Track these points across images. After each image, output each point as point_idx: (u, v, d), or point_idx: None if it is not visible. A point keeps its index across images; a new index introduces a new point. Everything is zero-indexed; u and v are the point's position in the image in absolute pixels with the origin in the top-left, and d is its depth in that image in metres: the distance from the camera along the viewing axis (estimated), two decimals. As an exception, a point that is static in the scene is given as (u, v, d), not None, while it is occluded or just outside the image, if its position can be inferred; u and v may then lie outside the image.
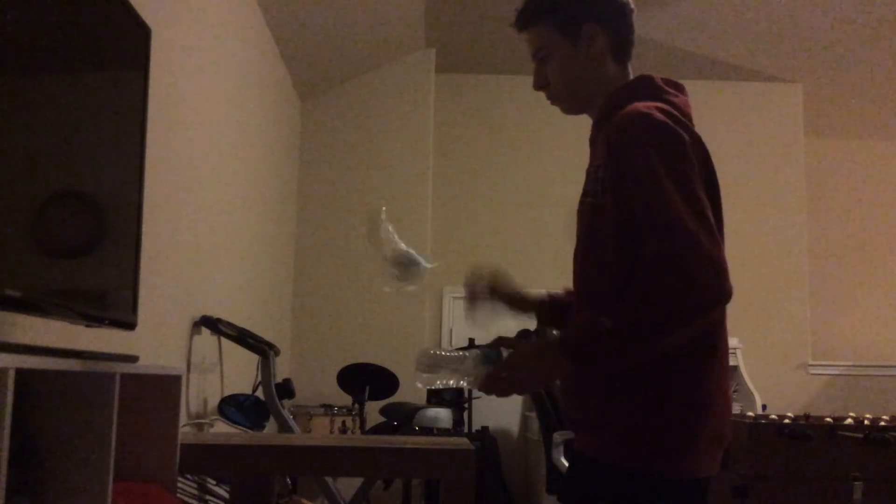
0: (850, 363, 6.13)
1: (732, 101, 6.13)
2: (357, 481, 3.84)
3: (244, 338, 3.42)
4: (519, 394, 1.54)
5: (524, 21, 1.66)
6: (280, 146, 4.98)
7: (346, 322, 5.44)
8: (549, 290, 1.83)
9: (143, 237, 1.87)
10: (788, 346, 5.97)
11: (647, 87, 1.57)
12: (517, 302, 1.83)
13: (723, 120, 6.08)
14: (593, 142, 1.64)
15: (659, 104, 1.50)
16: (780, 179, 6.14)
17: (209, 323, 3.23)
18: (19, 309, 1.43)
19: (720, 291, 1.34)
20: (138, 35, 1.85)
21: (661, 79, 1.59)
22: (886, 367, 6.13)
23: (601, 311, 1.40)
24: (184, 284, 3.01)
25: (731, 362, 5.55)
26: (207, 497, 2.80)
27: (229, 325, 3.35)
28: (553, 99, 1.68)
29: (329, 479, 3.53)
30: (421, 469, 2.15)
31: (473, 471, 1.85)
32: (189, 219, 3.06)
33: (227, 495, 2.77)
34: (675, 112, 1.49)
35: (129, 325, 1.78)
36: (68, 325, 1.83)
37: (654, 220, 1.38)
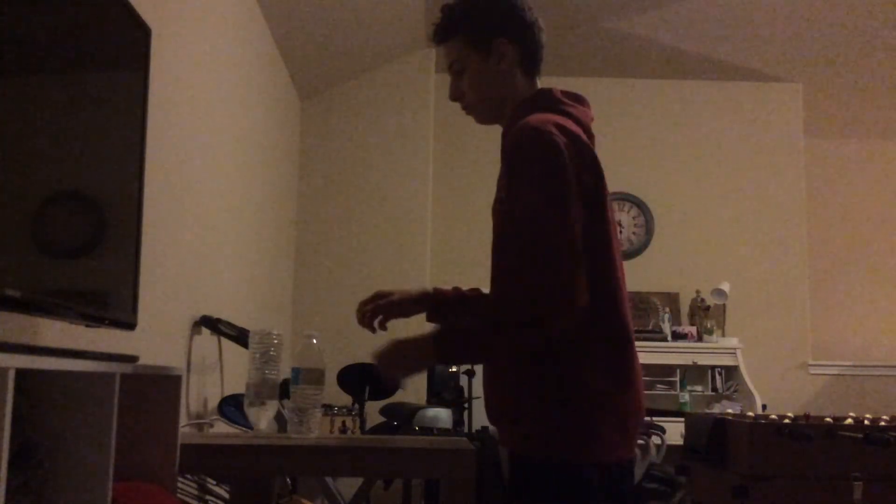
0: (850, 363, 6.12)
1: (732, 101, 6.11)
2: (357, 481, 3.84)
3: (244, 338, 3.42)
4: (392, 376, 1.66)
5: (439, 36, 1.73)
6: (280, 146, 4.98)
7: (346, 322, 5.42)
8: (436, 287, 1.87)
9: (143, 237, 1.87)
10: (788, 346, 5.96)
11: (547, 100, 1.66)
12: (410, 308, 1.85)
13: (723, 120, 6.06)
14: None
15: (556, 117, 1.57)
16: (780, 179, 6.14)
17: (209, 323, 3.23)
18: (19, 309, 1.42)
19: (568, 302, 1.43)
20: (138, 35, 1.85)
21: (561, 91, 1.67)
22: (886, 367, 6.13)
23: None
24: (184, 284, 3.01)
25: (732, 362, 5.55)
26: (207, 497, 2.80)
27: (229, 325, 3.35)
28: (467, 109, 1.76)
29: (329, 479, 3.53)
30: (421, 469, 2.15)
31: (473, 471, 1.85)
32: (189, 218, 3.06)
33: (227, 495, 2.77)
34: (570, 124, 1.56)
35: (129, 325, 1.78)
36: (68, 325, 1.83)
37: (520, 232, 1.48)
